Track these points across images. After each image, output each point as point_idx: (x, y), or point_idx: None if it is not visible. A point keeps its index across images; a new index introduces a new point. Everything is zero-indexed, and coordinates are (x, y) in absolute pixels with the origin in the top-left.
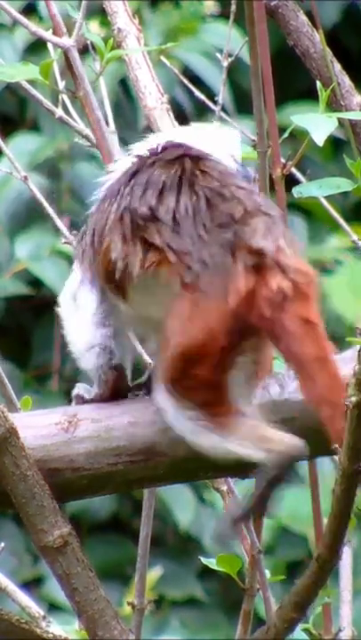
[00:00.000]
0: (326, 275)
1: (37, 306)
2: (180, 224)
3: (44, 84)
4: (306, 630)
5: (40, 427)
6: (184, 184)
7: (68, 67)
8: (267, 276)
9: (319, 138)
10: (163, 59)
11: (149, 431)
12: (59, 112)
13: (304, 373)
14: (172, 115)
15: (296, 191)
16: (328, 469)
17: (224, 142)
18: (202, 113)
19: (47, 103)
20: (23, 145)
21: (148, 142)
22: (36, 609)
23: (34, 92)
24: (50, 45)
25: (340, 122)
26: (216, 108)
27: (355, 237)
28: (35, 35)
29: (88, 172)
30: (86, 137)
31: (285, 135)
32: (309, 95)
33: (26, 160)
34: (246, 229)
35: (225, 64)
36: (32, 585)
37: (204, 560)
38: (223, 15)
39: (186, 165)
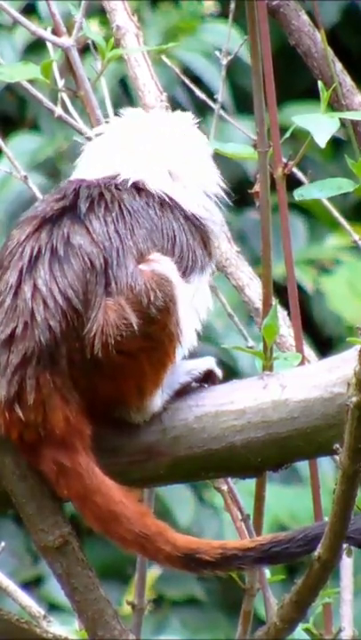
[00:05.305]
0: (326, 275)
1: None
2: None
3: (44, 84)
4: (306, 630)
5: None
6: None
7: (69, 66)
8: (7, 424)
9: (322, 139)
10: (163, 58)
11: (149, 431)
12: (58, 111)
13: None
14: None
15: (298, 194)
16: (328, 469)
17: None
18: (201, 112)
19: (47, 102)
20: (23, 145)
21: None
22: (36, 608)
23: (34, 91)
24: (50, 45)
25: (342, 121)
26: (216, 107)
27: (356, 237)
28: (35, 35)
29: None
30: (87, 137)
31: (287, 136)
32: (310, 95)
33: (26, 160)
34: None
35: (224, 62)
36: (32, 585)
37: None
38: (223, 15)
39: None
